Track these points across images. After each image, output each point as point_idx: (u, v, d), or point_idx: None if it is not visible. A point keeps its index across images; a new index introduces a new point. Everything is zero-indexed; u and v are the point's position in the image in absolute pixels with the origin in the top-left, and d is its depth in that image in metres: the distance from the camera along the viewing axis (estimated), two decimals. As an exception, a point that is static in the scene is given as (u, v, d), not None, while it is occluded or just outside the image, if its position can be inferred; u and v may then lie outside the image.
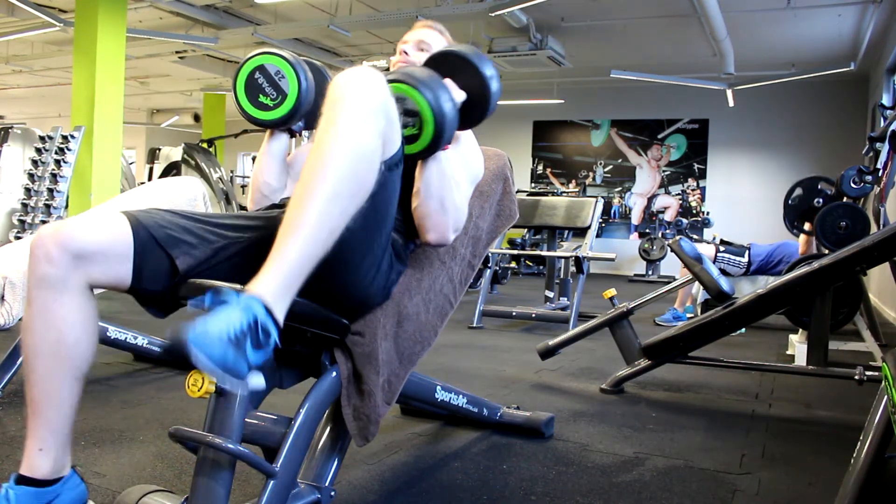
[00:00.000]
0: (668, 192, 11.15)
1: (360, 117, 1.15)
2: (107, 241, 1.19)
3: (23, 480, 1.22)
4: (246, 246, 1.33)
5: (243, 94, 1.58)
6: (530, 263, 9.28)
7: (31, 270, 1.18)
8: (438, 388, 1.95)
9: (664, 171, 11.16)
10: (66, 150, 5.88)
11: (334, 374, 1.36)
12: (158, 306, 1.31)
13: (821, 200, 4.03)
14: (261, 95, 1.55)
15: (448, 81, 1.42)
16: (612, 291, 2.98)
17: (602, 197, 5.94)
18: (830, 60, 8.64)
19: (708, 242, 5.64)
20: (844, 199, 3.89)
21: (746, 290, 4.48)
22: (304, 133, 1.85)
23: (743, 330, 4.44)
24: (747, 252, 4.84)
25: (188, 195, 2.58)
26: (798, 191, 4.18)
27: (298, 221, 1.08)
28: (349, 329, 1.38)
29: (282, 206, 1.50)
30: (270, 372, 1.34)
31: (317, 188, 1.09)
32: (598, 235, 9.38)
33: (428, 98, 1.35)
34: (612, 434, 2.21)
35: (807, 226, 4.16)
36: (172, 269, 1.25)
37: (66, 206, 5.93)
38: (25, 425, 1.26)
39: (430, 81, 1.37)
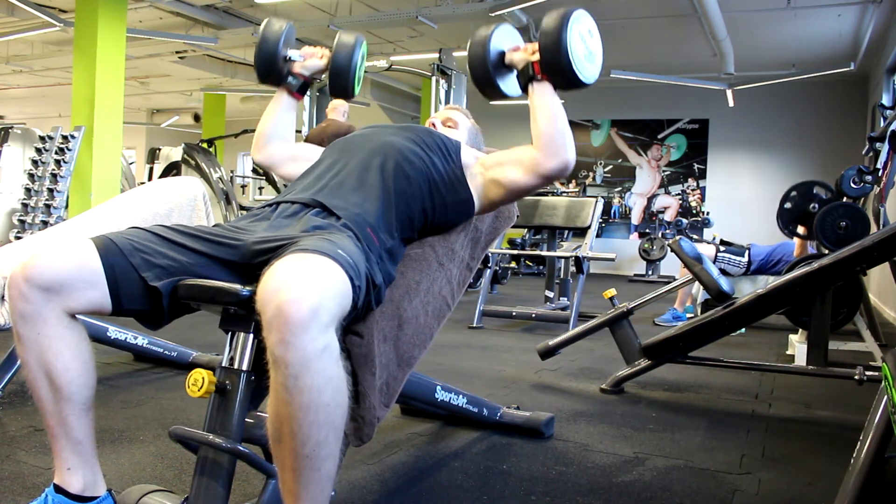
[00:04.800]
0: (668, 192, 11.15)
1: (319, 382, 1.05)
2: (72, 271, 1.20)
3: (60, 490, 1.24)
4: (222, 260, 1.31)
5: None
6: (530, 263, 9.28)
7: (11, 309, 1.20)
8: (438, 388, 1.95)
9: (664, 171, 11.16)
10: (66, 150, 5.88)
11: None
12: (151, 321, 1.31)
13: (816, 206, 4.06)
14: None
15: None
16: (612, 291, 2.98)
17: (602, 197, 5.93)
18: (830, 60, 8.64)
19: (708, 242, 5.64)
20: (844, 199, 3.89)
21: (746, 290, 4.47)
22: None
23: (743, 330, 4.44)
24: (747, 252, 4.84)
25: (188, 195, 2.58)
26: (794, 194, 4.19)
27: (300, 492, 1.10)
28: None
29: (272, 204, 1.50)
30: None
31: (301, 462, 1.08)
32: (598, 235, 9.39)
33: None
34: (612, 434, 2.21)
35: (801, 229, 4.16)
36: (150, 288, 1.25)
37: (67, 206, 5.93)
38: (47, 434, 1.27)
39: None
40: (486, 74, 1.62)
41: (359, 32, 1.83)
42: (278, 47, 1.75)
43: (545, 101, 1.56)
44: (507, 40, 1.64)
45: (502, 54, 1.62)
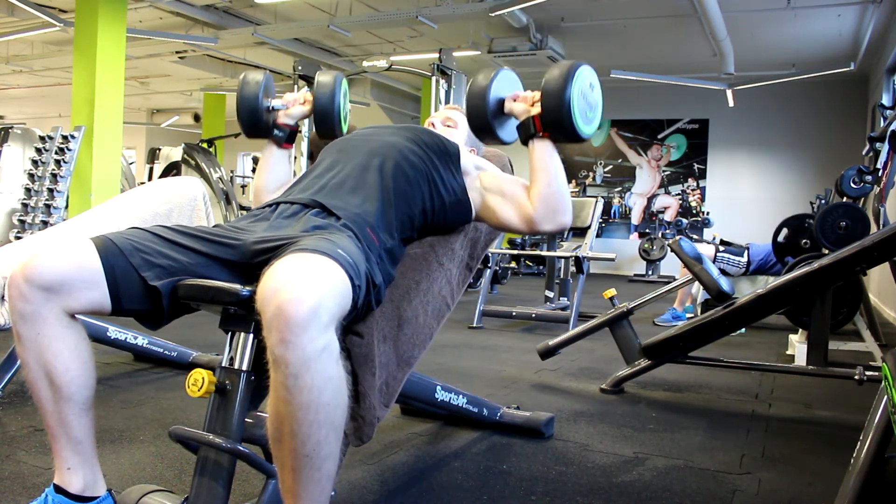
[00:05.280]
0: (668, 192, 11.15)
1: (319, 383, 1.04)
2: (72, 271, 1.19)
3: (60, 490, 1.24)
4: (222, 260, 1.31)
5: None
6: (530, 263, 9.28)
7: (11, 308, 1.20)
8: (438, 388, 1.95)
9: (664, 171, 11.16)
10: (66, 150, 5.88)
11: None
12: (151, 321, 1.31)
13: (808, 242, 4.15)
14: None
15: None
16: (612, 291, 2.98)
17: (602, 197, 5.94)
18: (830, 60, 8.64)
19: (708, 242, 5.64)
20: (844, 199, 3.90)
21: (746, 290, 4.48)
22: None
23: (743, 330, 4.44)
24: (746, 252, 4.85)
25: (188, 195, 2.58)
26: (785, 230, 4.25)
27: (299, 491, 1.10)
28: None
29: (272, 204, 1.50)
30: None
31: (300, 462, 1.08)
32: (598, 235, 9.39)
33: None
34: (612, 434, 2.21)
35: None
36: (150, 288, 1.24)
37: (67, 206, 5.93)
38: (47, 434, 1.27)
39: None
40: (484, 124, 1.62)
41: (337, 72, 1.82)
42: (258, 101, 1.74)
43: (545, 160, 1.57)
44: (505, 87, 1.64)
45: (502, 102, 1.62)
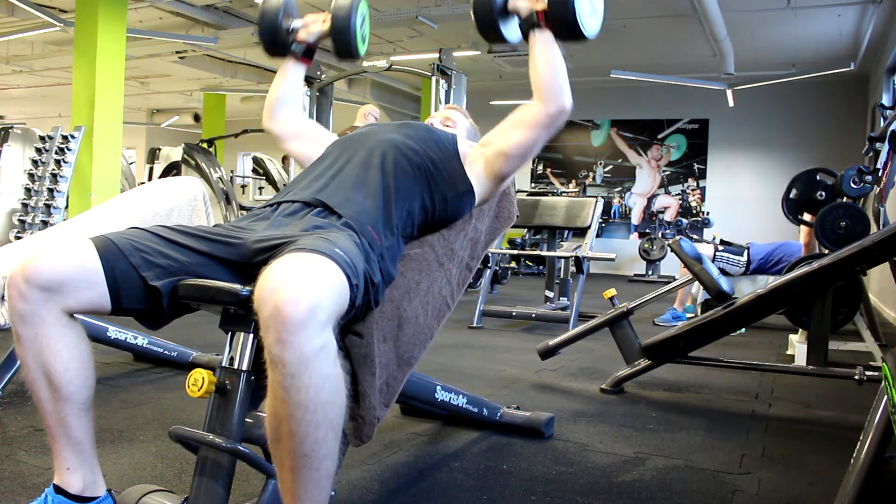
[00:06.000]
0: (668, 192, 11.15)
1: (316, 381, 1.04)
2: (72, 271, 1.19)
3: (59, 490, 1.24)
4: (223, 259, 1.31)
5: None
6: (530, 263, 9.28)
7: (10, 309, 1.20)
8: (438, 388, 1.95)
9: (664, 171, 11.16)
10: (66, 150, 5.88)
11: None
12: (151, 320, 1.31)
13: (823, 194, 4.02)
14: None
15: None
16: (612, 291, 2.98)
17: (602, 197, 5.95)
18: (830, 60, 8.65)
19: (708, 242, 5.64)
20: (844, 199, 3.89)
21: (746, 289, 4.47)
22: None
23: (743, 330, 4.44)
24: (746, 251, 4.84)
25: (188, 195, 2.59)
26: (798, 184, 4.17)
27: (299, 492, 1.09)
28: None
29: (273, 203, 1.50)
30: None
31: (299, 461, 1.08)
32: (598, 235, 9.39)
33: None
34: (612, 434, 2.21)
35: (808, 217, 4.15)
36: (150, 288, 1.24)
37: (67, 206, 5.94)
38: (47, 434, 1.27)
39: None
40: (490, 18, 1.65)
41: None
42: (279, 19, 1.79)
43: (546, 50, 1.60)
44: None
45: (506, 0, 1.65)
